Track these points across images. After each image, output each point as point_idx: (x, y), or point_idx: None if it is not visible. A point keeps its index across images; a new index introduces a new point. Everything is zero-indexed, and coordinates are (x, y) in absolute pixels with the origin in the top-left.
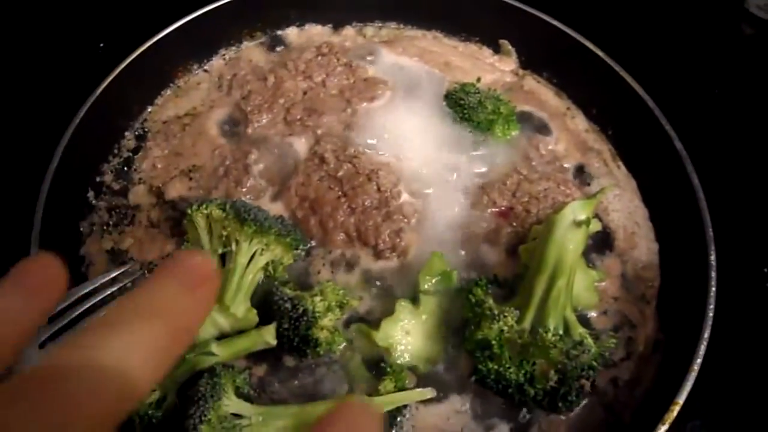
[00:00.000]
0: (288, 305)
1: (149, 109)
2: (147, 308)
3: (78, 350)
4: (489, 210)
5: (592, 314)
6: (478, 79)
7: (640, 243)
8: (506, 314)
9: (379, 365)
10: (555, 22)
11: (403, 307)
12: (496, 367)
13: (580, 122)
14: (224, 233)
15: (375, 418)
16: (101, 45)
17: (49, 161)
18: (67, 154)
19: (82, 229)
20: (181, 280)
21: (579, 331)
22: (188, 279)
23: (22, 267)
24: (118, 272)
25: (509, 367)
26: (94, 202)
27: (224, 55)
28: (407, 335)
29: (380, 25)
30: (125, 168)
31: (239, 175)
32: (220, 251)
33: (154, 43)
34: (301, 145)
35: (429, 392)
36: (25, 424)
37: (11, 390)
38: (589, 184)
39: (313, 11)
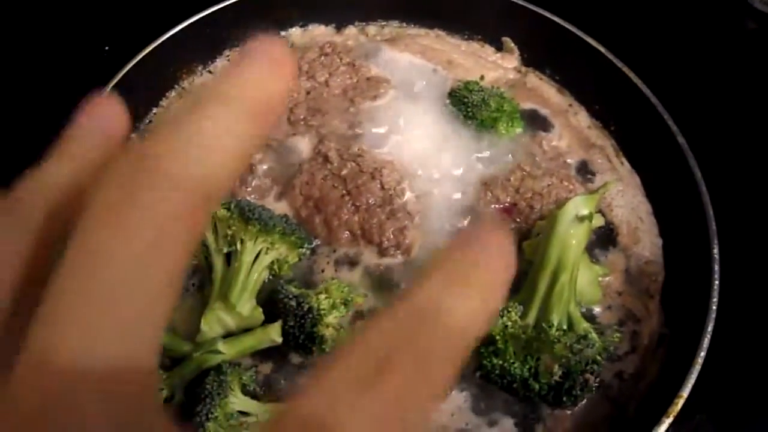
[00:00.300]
0: (293, 303)
1: (154, 111)
2: (224, 92)
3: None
4: (492, 206)
5: (597, 309)
6: (482, 77)
7: (644, 238)
8: (510, 310)
9: None
10: (557, 19)
11: None
12: (500, 362)
13: (582, 119)
14: (229, 232)
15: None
16: (106, 48)
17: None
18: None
19: None
20: (263, 57)
21: (583, 325)
22: (271, 56)
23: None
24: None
25: (513, 363)
26: None
27: (228, 56)
28: None
29: (383, 24)
30: None
31: (244, 175)
32: (225, 250)
33: (158, 45)
34: (305, 144)
35: None
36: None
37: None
38: (592, 181)
39: (316, 11)
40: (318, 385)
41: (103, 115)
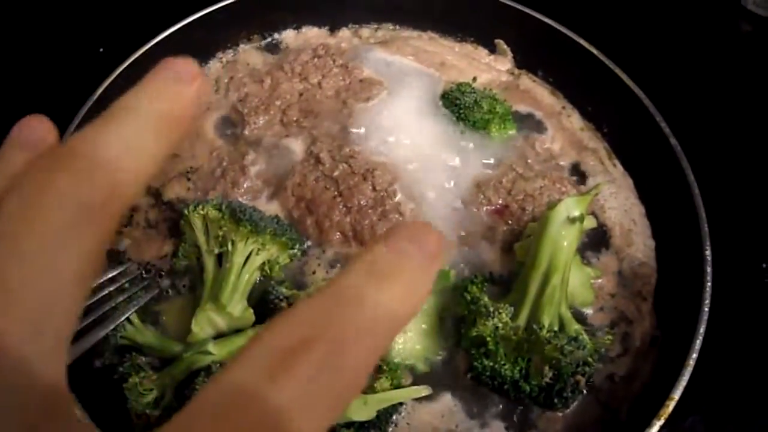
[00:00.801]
0: (284, 304)
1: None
2: (134, 102)
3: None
4: (485, 208)
5: (589, 311)
6: (474, 79)
7: (637, 240)
8: (501, 311)
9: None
10: (550, 21)
11: None
12: (491, 363)
13: (575, 121)
14: (220, 233)
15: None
16: (101, 49)
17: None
18: None
19: None
20: (169, 74)
21: (574, 327)
22: (177, 73)
23: (16, 128)
24: (116, 272)
25: (504, 364)
26: None
27: (221, 58)
28: (404, 333)
29: (376, 26)
30: None
31: (236, 176)
32: (216, 251)
33: (152, 47)
34: (297, 146)
35: (425, 390)
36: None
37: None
38: (584, 183)
39: (310, 14)
40: (240, 359)
41: (34, 129)
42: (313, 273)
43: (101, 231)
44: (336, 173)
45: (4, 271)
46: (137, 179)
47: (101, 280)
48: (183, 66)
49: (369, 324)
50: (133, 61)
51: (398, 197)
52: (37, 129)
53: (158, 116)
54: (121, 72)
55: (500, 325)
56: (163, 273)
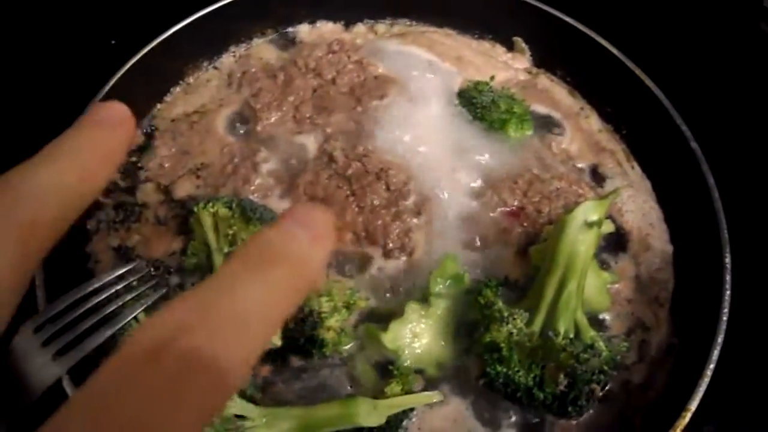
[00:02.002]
0: None
1: (158, 107)
2: (66, 143)
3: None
4: (499, 210)
5: (605, 317)
6: (492, 78)
7: (654, 245)
8: (516, 317)
9: (386, 367)
10: (569, 20)
11: (412, 309)
12: (504, 370)
13: (593, 122)
14: (230, 232)
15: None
16: (113, 41)
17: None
18: None
19: (88, 226)
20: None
21: (590, 334)
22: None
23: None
24: (125, 269)
25: (518, 371)
26: (101, 199)
27: (234, 52)
28: (416, 337)
29: (392, 22)
30: (133, 165)
31: (247, 174)
32: (226, 250)
33: (164, 40)
34: (310, 143)
35: (436, 395)
36: None
37: None
38: (602, 185)
39: (325, 8)
40: (128, 342)
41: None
42: (327, 275)
43: (23, 249)
44: (349, 172)
45: None
46: (58, 213)
47: (110, 278)
48: (114, 110)
49: (241, 315)
50: (145, 54)
51: (412, 198)
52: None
53: (81, 164)
54: (132, 64)
55: (515, 331)
56: (171, 270)
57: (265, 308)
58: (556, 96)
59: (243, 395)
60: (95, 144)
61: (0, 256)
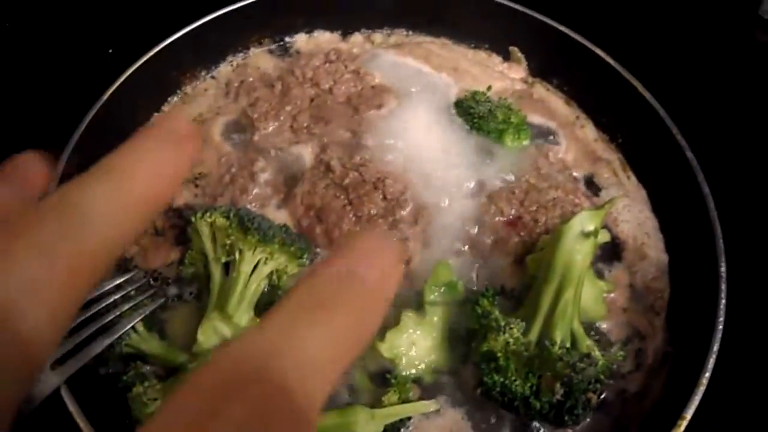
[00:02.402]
0: None
1: (155, 116)
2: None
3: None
4: (496, 219)
5: (601, 326)
6: (489, 88)
7: (650, 254)
8: (512, 326)
9: (383, 376)
10: (565, 30)
11: (408, 317)
12: (501, 379)
13: (589, 131)
14: (228, 242)
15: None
16: (110, 51)
17: (55, 167)
18: (73, 160)
19: None
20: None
21: (586, 343)
22: (169, 136)
23: (8, 163)
24: (122, 279)
25: (515, 380)
26: None
27: (232, 61)
28: (412, 346)
29: (389, 32)
30: None
31: (245, 183)
32: (223, 260)
33: (162, 49)
34: (307, 152)
35: (433, 404)
36: None
37: None
38: (598, 194)
39: (322, 18)
40: (255, 330)
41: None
42: None
43: (67, 292)
44: (346, 181)
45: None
46: (110, 239)
47: (107, 287)
48: (178, 125)
49: (365, 293)
50: (143, 63)
51: (409, 207)
52: (30, 167)
53: (140, 188)
54: (130, 74)
55: (511, 340)
56: (169, 281)
57: (330, 353)
58: (552, 105)
59: None
60: (159, 161)
61: (40, 305)
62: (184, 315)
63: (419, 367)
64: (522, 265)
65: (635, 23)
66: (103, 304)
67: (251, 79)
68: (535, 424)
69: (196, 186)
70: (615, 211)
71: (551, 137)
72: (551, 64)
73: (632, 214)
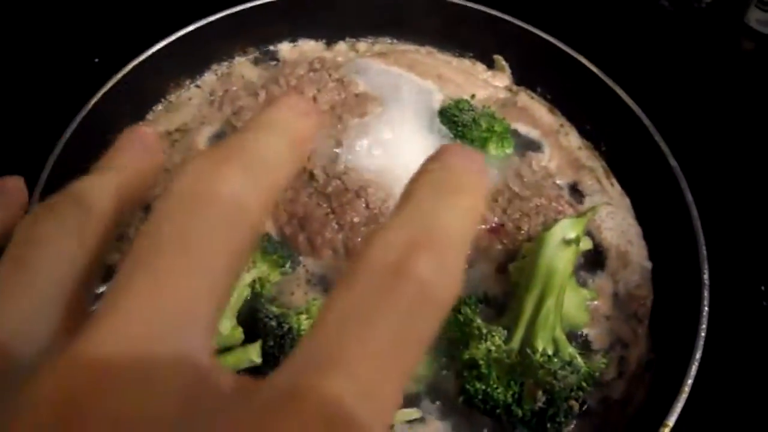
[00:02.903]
0: (273, 323)
1: (140, 124)
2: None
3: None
4: (479, 227)
5: (584, 333)
6: (473, 96)
7: (633, 261)
8: (494, 334)
9: None
10: (549, 38)
11: None
12: (483, 387)
13: (573, 139)
14: None
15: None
16: (96, 60)
17: (38, 175)
18: (57, 169)
19: None
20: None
21: (569, 350)
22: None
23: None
24: (105, 288)
25: (497, 387)
26: None
27: (216, 70)
28: None
29: (373, 40)
30: None
31: None
32: None
33: (146, 58)
34: None
35: (415, 413)
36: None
37: None
38: (582, 202)
39: (306, 26)
40: (319, 321)
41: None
42: (306, 293)
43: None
44: (329, 189)
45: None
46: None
47: (90, 297)
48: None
49: (452, 243)
50: (127, 72)
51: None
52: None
53: (293, 137)
54: (114, 83)
55: (493, 348)
56: None
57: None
58: (536, 113)
59: None
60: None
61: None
62: None
63: None
64: (505, 273)
65: (619, 31)
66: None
67: (235, 88)
68: (518, 430)
69: None
70: (598, 218)
71: (535, 145)
72: (535, 72)
73: (615, 221)
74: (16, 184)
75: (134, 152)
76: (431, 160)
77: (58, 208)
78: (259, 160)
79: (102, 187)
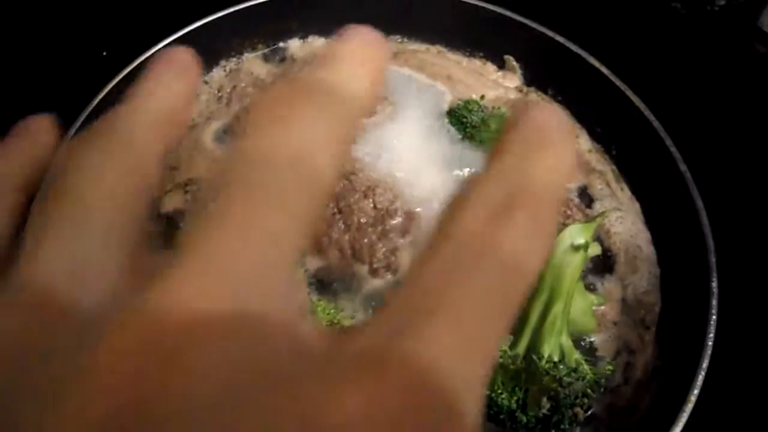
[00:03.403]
0: None
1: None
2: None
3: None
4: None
5: (590, 339)
6: (482, 97)
7: (642, 267)
8: None
9: None
10: (561, 39)
11: None
12: (488, 392)
13: (583, 142)
14: None
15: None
16: (104, 53)
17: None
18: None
19: None
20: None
21: (575, 357)
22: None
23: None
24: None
25: (501, 393)
26: None
27: (225, 66)
28: None
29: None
30: None
31: None
32: None
33: (155, 52)
34: None
35: None
36: None
37: None
38: (591, 206)
39: (316, 23)
40: (418, 267)
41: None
42: (309, 294)
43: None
44: (336, 189)
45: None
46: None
47: None
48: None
49: (545, 197)
50: (136, 66)
51: (399, 216)
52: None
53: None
54: (123, 77)
55: (498, 353)
56: None
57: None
58: None
59: None
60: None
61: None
62: None
63: None
64: None
65: (632, 34)
66: None
67: (244, 85)
68: None
69: (186, 192)
70: (608, 222)
71: None
72: (546, 73)
73: (625, 226)
74: (42, 123)
75: (170, 75)
76: (518, 113)
77: (101, 142)
78: (336, 101)
79: (144, 120)
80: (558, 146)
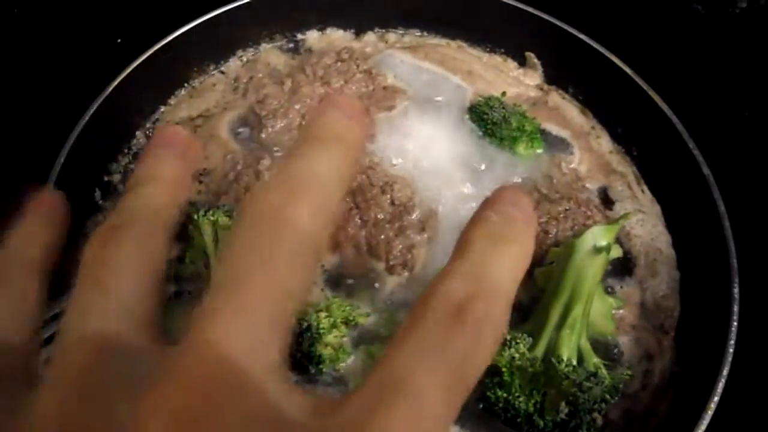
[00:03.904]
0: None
1: (162, 109)
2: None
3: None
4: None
5: (609, 342)
6: (503, 94)
7: (662, 270)
8: (518, 341)
9: None
10: (583, 37)
11: None
12: (505, 395)
13: (604, 142)
14: None
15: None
16: (119, 40)
17: (56, 157)
18: (76, 151)
19: (86, 229)
20: (343, 110)
21: (593, 361)
22: (349, 109)
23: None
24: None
25: (519, 396)
26: (100, 202)
27: (242, 56)
28: None
29: (403, 32)
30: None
31: (250, 182)
32: None
33: (170, 41)
34: None
35: None
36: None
37: None
38: (611, 208)
39: (335, 15)
40: (393, 350)
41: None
42: (322, 290)
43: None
44: (354, 184)
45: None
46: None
47: None
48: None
49: (505, 287)
50: (151, 55)
51: (416, 213)
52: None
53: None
54: (137, 65)
55: (517, 355)
56: (169, 278)
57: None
58: (567, 114)
59: None
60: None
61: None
62: (182, 313)
63: None
64: (530, 278)
65: (656, 34)
66: None
67: (260, 76)
68: None
69: (200, 182)
70: (628, 225)
71: (565, 147)
72: (567, 71)
73: (645, 229)
74: (53, 199)
75: (169, 159)
76: (485, 206)
77: (118, 235)
78: (320, 190)
79: (148, 206)
80: (518, 241)
